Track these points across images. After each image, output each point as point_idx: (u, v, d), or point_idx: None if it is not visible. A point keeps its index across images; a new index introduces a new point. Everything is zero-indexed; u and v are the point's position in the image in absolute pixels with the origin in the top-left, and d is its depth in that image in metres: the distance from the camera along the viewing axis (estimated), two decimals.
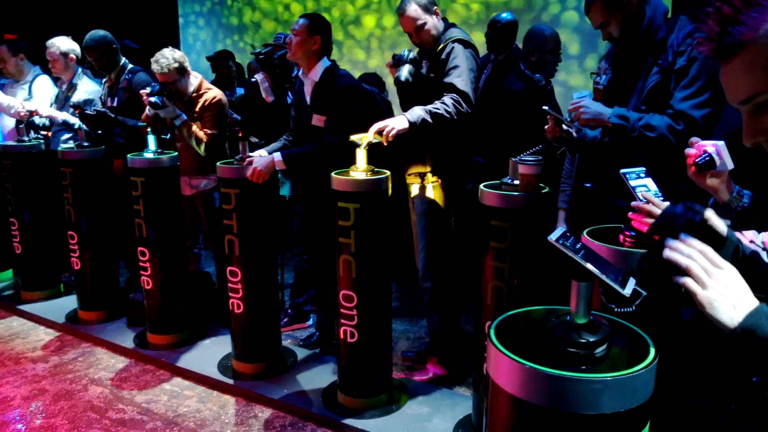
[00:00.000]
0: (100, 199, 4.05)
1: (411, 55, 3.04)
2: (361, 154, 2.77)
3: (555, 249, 1.14)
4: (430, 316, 3.28)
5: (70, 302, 4.36)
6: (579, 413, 1.10)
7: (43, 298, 4.50)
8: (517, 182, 2.41)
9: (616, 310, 1.23)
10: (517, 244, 2.35)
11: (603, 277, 1.09)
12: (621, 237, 1.76)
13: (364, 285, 2.81)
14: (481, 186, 2.46)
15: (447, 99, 2.83)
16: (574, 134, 2.61)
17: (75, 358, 3.67)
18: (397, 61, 3.06)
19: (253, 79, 3.88)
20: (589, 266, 1.09)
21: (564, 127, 2.56)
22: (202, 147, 3.64)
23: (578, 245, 1.12)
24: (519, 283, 2.39)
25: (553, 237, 1.12)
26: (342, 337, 2.90)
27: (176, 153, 3.66)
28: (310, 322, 4.02)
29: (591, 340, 1.15)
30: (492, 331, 1.29)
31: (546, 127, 2.57)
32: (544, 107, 2.49)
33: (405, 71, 3.00)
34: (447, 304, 3.20)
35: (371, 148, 2.79)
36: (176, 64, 3.59)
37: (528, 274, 2.38)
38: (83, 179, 3.95)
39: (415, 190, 3.15)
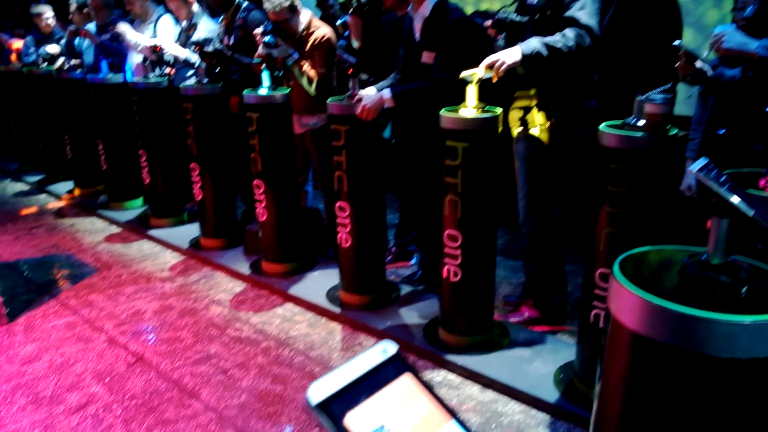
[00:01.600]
0: (219, 133, 4.27)
1: (512, 18, 2.85)
2: (471, 91, 2.71)
3: (697, 186, 1.06)
4: (528, 261, 3.22)
5: (192, 230, 4.71)
6: (711, 355, 1.04)
7: (169, 225, 4.89)
8: (641, 122, 2.27)
9: (763, 249, 1.13)
10: (638, 189, 2.23)
11: (751, 212, 1.01)
12: (762, 182, 1.62)
13: (470, 225, 2.81)
14: (602, 126, 2.34)
15: (569, 32, 2.63)
16: (709, 72, 2.40)
17: (198, 280, 3.99)
18: (498, 24, 2.88)
19: (338, 22, 3.85)
20: (736, 200, 1.00)
21: (698, 64, 2.35)
22: (313, 86, 3.70)
23: (723, 178, 1.04)
24: (636, 233, 2.28)
25: (695, 167, 1.04)
26: (445, 275, 2.93)
27: (289, 90, 3.75)
28: (414, 261, 4.09)
29: (729, 281, 1.08)
30: (617, 267, 1.24)
31: (678, 64, 2.37)
32: (676, 42, 2.30)
33: (502, 39, 2.84)
34: (546, 251, 3.12)
35: (482, 85, 2.71)
36: (287, 3, 3.62)
37: (647, 222, 2.26)
38: (203, 114, 4.16)
39: (519, 129, 3.02)
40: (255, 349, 3.13)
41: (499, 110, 2.76)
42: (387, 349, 0.56)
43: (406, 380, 0.55)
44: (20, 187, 6.57)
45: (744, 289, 1.10)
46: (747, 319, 1.03)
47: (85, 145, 5.67)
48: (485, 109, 2.73)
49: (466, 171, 2.71)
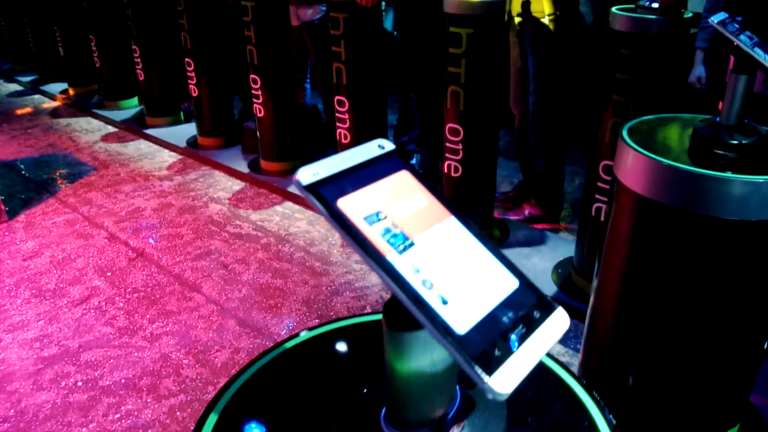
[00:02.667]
0: (214, 26, 4.08)
1: None
2: None
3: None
4: (534, 158, 3.16)
5: (189, 129, 4.62)
6: (719, 217, 1.00)
7: (166, 124, 4.81)
8: (656, 5, 2.13)
9: None
10: (647, 76, 2.13)
11: None
12: None
13: (472, 119, 2.72)
14: (613, 9, 2.20)
15: None
16: None
17: (196, 179, 3.96)
18: None
19: None
20: (757, 53, 0.93)
21: None
22: None
23: (745, 33, 0.96)
24: None
25: (715, 19, 0.96)
26: (446, 171, 2.89)
27: None
28: (413, 161, 4.02)
29: (743, 142, 1.02)
30: (625, 131, 1.19)
31: None
32: None
33: None
34: (553, 147, 3.06)
35: None
36: None
37: (655, 113, 2.18)
38: (197, 5, 3.96)
39: (519, 20, 2.86)
40: (255, 245, 3.14)
41: None
42: (384, 145, 0.53)
43: (403, 175, 0.52)
44: (14, 87, 6.42)
45: (758, 151, 1.05)
46: (760, 178, 0.98)
47: (77, 42, 5.47)
48: None
49: (470, 60, 2.59)
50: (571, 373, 0.65)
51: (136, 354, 2.40)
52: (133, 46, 4.60)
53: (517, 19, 2.86)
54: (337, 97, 3.21)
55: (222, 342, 2.45)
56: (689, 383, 1.31)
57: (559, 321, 0.47)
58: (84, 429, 2.05)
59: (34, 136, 4.87)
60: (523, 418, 0.59)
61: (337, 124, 3.29)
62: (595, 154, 2.40)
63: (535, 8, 2.77)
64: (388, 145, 0.53)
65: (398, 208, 0.48)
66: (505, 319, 0.45)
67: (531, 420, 0.59)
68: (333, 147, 3.61)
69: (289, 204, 3.59)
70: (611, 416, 0.60)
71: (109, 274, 2.93)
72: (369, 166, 0.50)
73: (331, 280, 2.82)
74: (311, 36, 3.83)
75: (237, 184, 3.87)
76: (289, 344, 0.69)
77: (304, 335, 0.70)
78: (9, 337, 2.50)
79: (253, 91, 3.70)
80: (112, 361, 2.36)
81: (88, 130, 4.99)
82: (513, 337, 0.44)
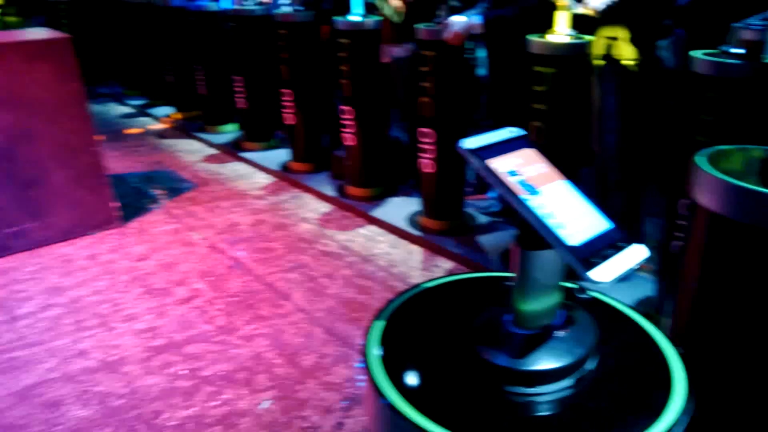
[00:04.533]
0: (311, 60, 4.43)
1: None
2: (561, 17, 2.71)
3: None
4: (612, 196, 3.24)
5: (281, 154, 4.98)
6: None
7: (260, 149, 5.19)
8: (737, 51, 2.23)
9: None
10: (729, 118, 2.22)
11: None
12: None
13: (552, 154, 2.85)
14: (695, 52, 2.32)
15: None
16: None
17: (287, 200, 4.27)
18: None
19: None
20: None
21: None
22: (396, 14, 3.76)
23: None
24: None
25: None
26: None
27: (380, 18, 3.84)
28: (491, 193, 4.17)
29: None
30: (702, 157, 1.34)
31: None
32: None
33: None
34: (631, 186, 3.13)
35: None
36: None
37: None
38: (296, 40, 4.33)
39: (603, 63, 2.99)
40: (341, 262, 3.37)
41: (589, 38, 2.75)
42: (516, 130, 0.77)
43: (530, 151, 0.76)
44: (124, 110, 7.06)
45: None
46: None
47: (185, 71, 5.99)
48: (575, 35, 2.74)
49: (552, 98, 2.75)
50: (645, 317, 0.91)
51: (233, 350, 2.65)
52: (237, 77, 5.02)
53: (599, 62, 2.99)
54: (423, 129, 3.43)
55: (310, 347, 2.67)
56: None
57: (639, 251, 0.68)
58: (187, 411, 2.30)
59: (142, 153, 5.37)
60: (609, 341, 0.82)
61: (422, 154, 3.50)
62: (676, 191, 2.48)
63: (616, 51, 2.90)
64: (520, 132, 0.77)
65: (528, 170, 0.72)
66: (600, 243, 0.67)
67: (615, 342, 0.81)
68: (414, 178, 3.81)
69: (372, 227, 3.82)
70: (680, 347, 0.79)
71: (209, 278, 3.23)
72: (508, 143, 0.74)
73: None
74: (399, 72, 4.09)
75: (325, 207, 4.16)
76: (426, 285, 0.98)
77: (438, 281, 1.00)
78: (124, 326, 2.82)
79: (343, 121, 3.99)
80: (211, 354, 2.62)
81: (190, 151, 5.46)
82: (605, 253, 0.66)
